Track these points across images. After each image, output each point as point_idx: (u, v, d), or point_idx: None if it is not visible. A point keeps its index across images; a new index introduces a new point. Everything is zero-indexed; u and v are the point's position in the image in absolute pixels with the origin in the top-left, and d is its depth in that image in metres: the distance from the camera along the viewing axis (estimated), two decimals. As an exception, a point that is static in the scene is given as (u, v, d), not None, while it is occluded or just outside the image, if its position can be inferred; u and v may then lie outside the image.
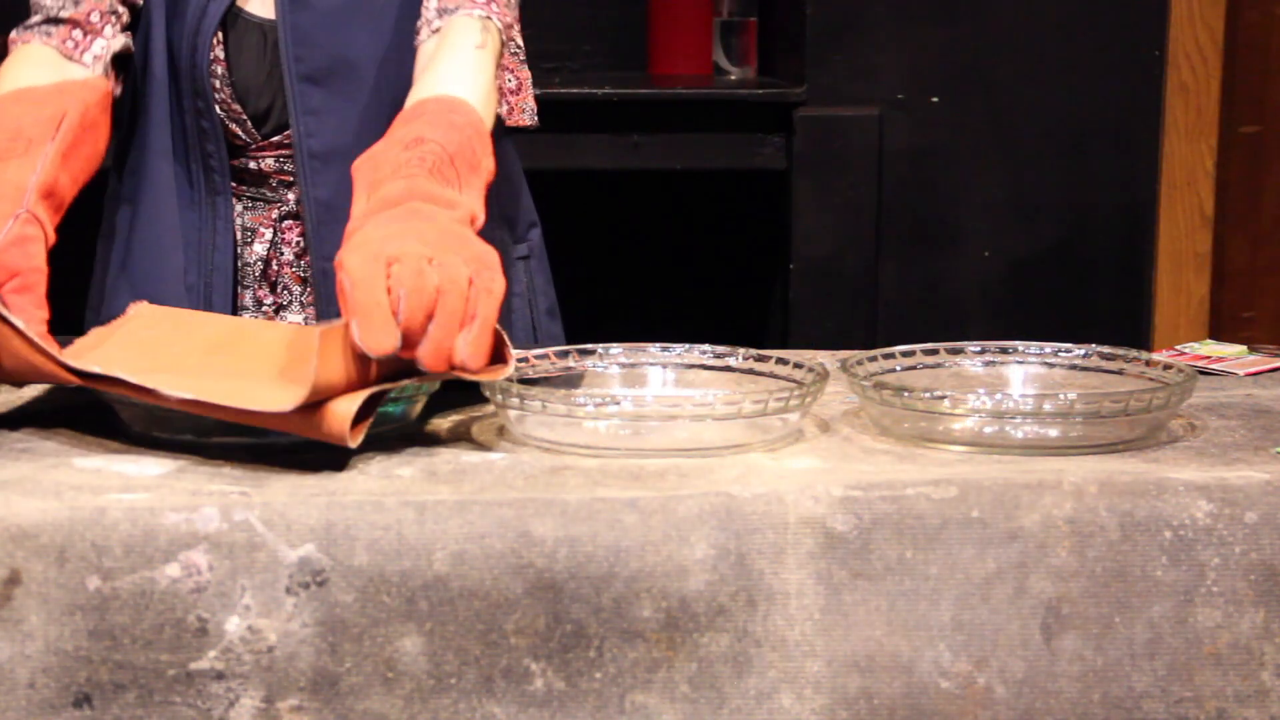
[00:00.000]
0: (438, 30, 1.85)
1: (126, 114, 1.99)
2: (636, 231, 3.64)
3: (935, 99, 3.25)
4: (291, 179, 1.99)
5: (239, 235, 2.00)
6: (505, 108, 2.00)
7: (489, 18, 1.84)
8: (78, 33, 1.91)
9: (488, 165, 1.68)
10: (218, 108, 1.96)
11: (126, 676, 1.33)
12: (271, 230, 2.00)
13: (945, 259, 3.30)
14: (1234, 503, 1.41)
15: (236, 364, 1.58)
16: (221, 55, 1.96)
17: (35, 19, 1.92)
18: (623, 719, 1.36)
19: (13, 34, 1.93)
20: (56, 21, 1.90)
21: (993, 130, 3.26)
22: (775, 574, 1.38)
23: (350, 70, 1.95)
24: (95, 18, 1.92)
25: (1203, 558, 1.40)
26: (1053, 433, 1.53)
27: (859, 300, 3.25)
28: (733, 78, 3.38)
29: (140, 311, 1.72)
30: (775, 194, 3.29)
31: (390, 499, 1.36)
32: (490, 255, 1.50)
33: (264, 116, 1.99)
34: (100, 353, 1.58)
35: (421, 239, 1.49)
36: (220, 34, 1.95)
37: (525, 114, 2.04)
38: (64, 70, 1.88)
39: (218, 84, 1.96)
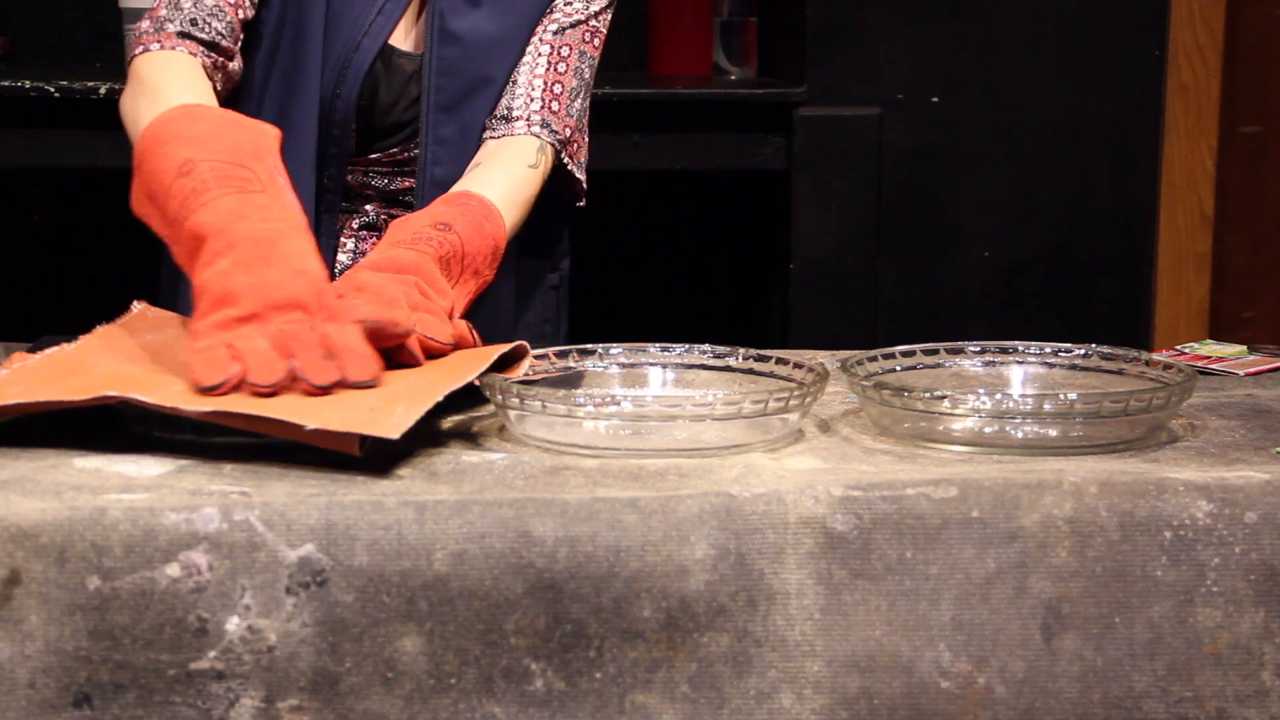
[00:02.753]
0: (500, 137, 2.00)
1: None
2: (636, 231, 3.64)
3: (935, 99, 3.25)
4: (372, 192, 2.06)
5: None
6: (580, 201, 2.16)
7: (545, 141, 2.00)
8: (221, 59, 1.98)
9: (487, 276, 1.84)
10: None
11: (126, 676, 1.33)
12: (353, 240, 2.06)
13: (945, 259, 3.30)
14: (1234, 503, 1.41)
15: None
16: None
17: (184, 28, 1.93)
18: (623, 719, 1.36)
19: (152, 31, 1.93)
20: (213, 46, 1.95)
21: (993, 130, 3.26)
22: (775, 574, 1.38)
23: (483, 94, 2.03)
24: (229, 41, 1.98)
25: (1203, 558, 1.40)
26: (1053, 433, 1.53)
27: (859, 300, 3.25)
28: (733, 78, 3.38)
29: (145, 313, 1.74)
30: (775, 194, 3.29)
31: (390, 499, 1.36)
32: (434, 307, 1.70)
33: (374, 135, 2.05)
34: (110, 367, 1.58)
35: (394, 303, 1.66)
36: None
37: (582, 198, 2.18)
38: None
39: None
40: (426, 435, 1.55)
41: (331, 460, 1.45)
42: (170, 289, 2.10)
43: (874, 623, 1.38)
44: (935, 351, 1.71)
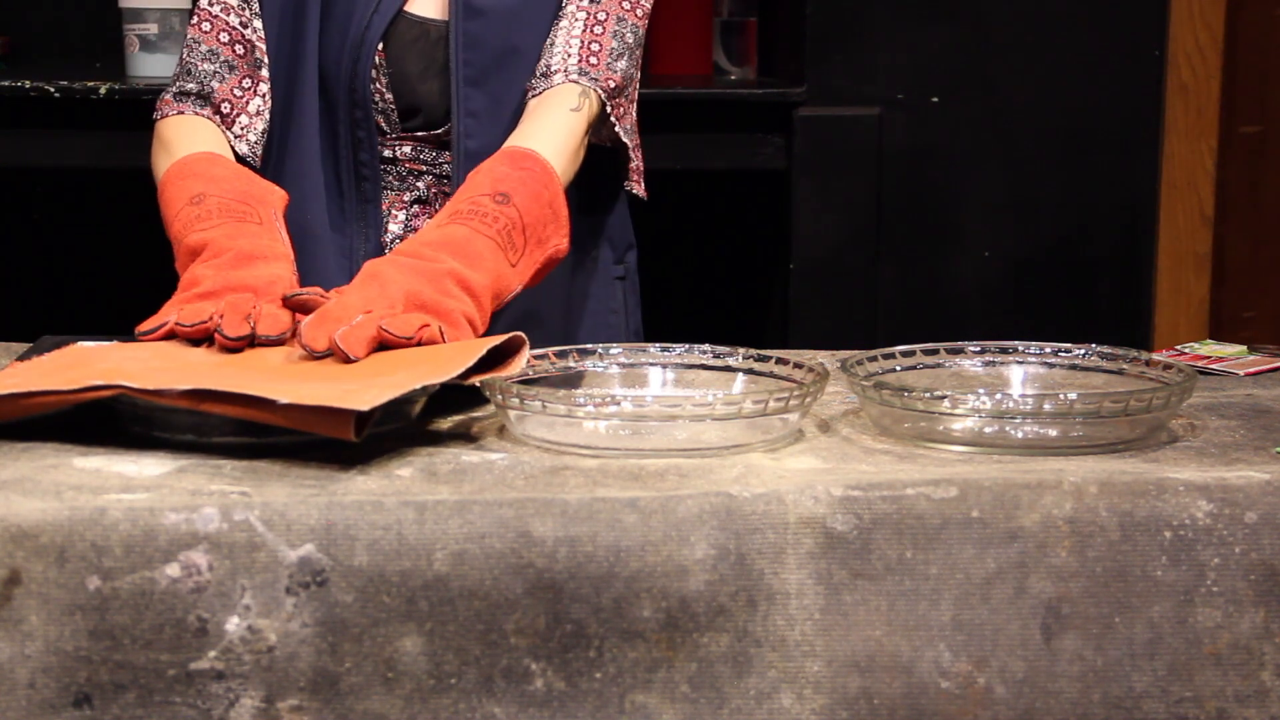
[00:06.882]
0: (540, 93, 2.00)
1: (276, 126, 2.06)
2: (636, 231, 3.64)
3: (935, 99, 3.25)
4: (423, 168, 2.07)
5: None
6: (632, 184, 2.14)
7: (586, 86, 1.99)
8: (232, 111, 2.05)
9: (556, 244, 1.85)
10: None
11: (126, 676, 1.33)
12: (404, 213, 2.07)
13: (945, 259, 3.30)
14: (1234, 503, 1.41)
15: (242, 371, 1.58)
16: (380, 47, 2.03)
17: (189, 87, 2.04)
18: (623, 719, 1.36)
19: (164, 96, 2.06)
20: (205, 98, 2.04)
21: (993, 130, 3.26)
22: (775, 574, 1.38)
23: (511, 65, 2.03)
24: (239, 92, 2.05)
25: (1203, 558, 1.40)
26: (1053, 433, 1.53)
27: (859, 300, 3.24)
28: (733, 78, 3.38)
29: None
30: (775, 194, 3.29)
31: (390, 499, 1.36)
32: (455, 315, 1.69)
33: (414, 111, 2.06)
34: (106, 363, 1.58)
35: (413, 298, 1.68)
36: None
37: (641, 187, 2.17)
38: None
39: (374, 74, 2.03)
40: (426, 435, 1.55)
41: (331, 460, 1.45)
42: None
43: (874, 623, 1.38)
44: (935, 351, 1.71)
